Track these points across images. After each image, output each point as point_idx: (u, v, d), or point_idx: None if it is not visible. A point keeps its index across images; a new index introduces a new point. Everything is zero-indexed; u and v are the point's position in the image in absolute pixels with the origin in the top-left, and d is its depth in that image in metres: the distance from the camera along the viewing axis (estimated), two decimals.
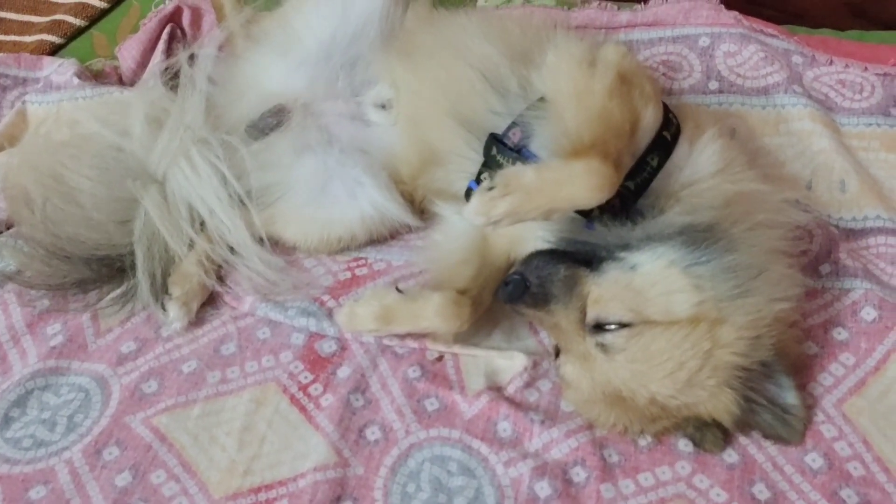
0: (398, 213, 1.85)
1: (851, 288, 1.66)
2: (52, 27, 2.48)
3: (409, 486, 1.43)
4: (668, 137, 1.50)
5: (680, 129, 1.53)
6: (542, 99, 1.56)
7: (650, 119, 1.48)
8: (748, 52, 1.99)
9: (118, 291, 1.74)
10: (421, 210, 1.89)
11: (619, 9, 2.16)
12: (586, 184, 1.33)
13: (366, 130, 1.88)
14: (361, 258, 1.87)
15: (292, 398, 1.57)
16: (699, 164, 1.48)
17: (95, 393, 1.61)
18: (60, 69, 2.27)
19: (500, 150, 1.58)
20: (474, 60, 1.67)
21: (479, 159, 1.63)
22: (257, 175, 1.83)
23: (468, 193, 1.67)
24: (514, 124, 1.59)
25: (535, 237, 1.55)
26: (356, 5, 1.88)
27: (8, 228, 1.94)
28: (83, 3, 2.49)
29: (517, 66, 1.64)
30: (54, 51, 2.47)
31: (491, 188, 1.33)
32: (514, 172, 1.36)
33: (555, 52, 1.55)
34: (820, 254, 1.72)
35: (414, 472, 1.45)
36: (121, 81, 2.33)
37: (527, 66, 1.63)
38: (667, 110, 1.55)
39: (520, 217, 1.34)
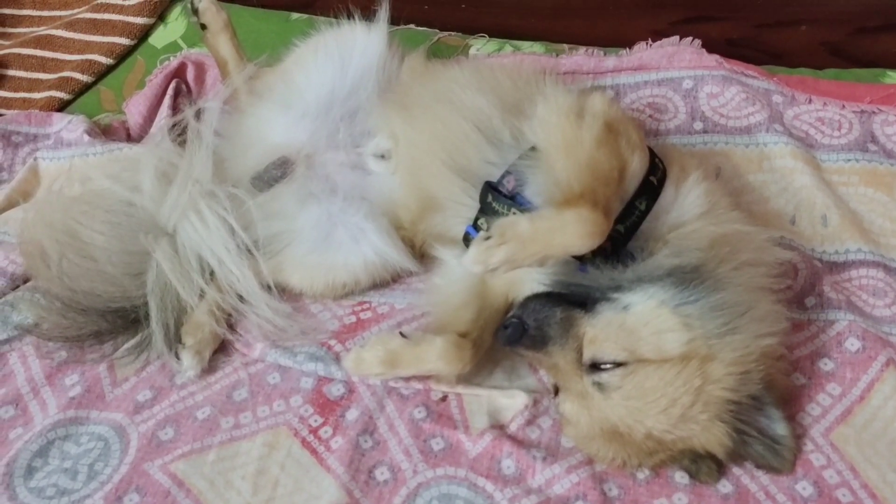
0: (399, 258, 1.92)
1: (836, 319, 1.73)
2: (60, 84, 2.57)
3: None
4: (655, 182, 1.57)
5: (666, 173, 1.60)
6: (533, 148, 1.63)
7: (637, 165, 1.55)
8: (730, 94, 2.08)
9: (133, 342, 1.80)
10: (421, 254, 1.96)
11: (605, 54, 2.25)
12: (577, 231, 1.39)
13: (367, 179, 1.96)
14: (365, 302, 1.94)
15: (303, 441, 1.63)
16: (685, 208, 1.55)
17: (114, 441, 1.67)
18: (70, 126, 2.35)
19: (496, 198, 1.64)
20: (468, 113, 1.75)
21: (476, 205, 1.69)
22: (264, 225, 1.89)
23: (466, 238, 1.73)
24: (507, 172, 1.66)
25: (532, 280, 1.62)
26: (354, 60, 1.96)
27: (25, 282, 2.00)
28: (90, 60, 2.59)
29: (509, 117, 1.71)
30: (63, 107, 2.56)
31: (487, 238, 1.40)
32: (509, 222, 1.42)
33: (544, 103, 1.62)
34: (805, 287, 1.79)
35: None
36: (129, 136, 2.42)
37: (518, 116, 1.70)
38: (653, 155, 1.62)
39: (516, 264, 1.40)
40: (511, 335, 1.49)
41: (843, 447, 1.53)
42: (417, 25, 2.48)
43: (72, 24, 2.69)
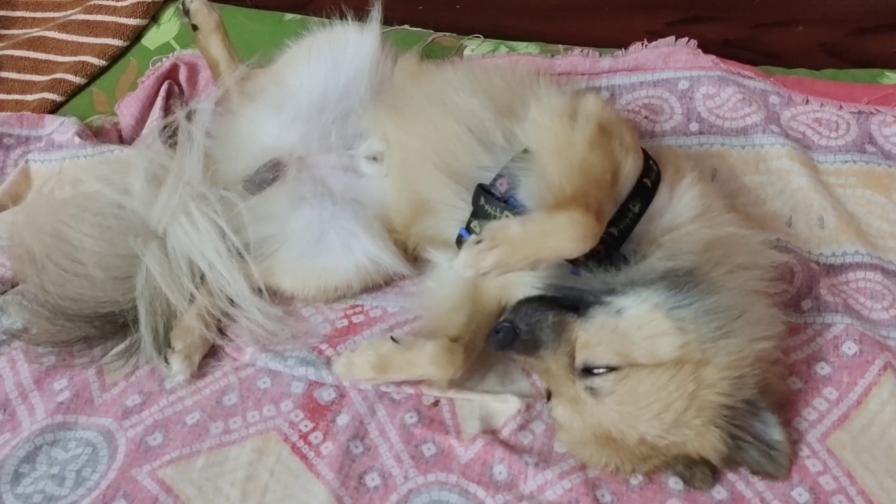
0: (391, 261, 1.90)
1: (833, 323, 1.71)
2: (52, 86, 2.55)
3: None
4: (649, 184, 1.55)
5: (660, 175, 1.58)
6: (526, 150, 1.61)
7: (630, 167, 1.54)
8: (726, 94, 2.06)
9: (122, 346, 1.78)
10: (414, 258, 1.94)
11: (600, 55, 2.23)
12: (569, 235, 1.37)
13: (359, 182, 1.94)
14: (358, 306, 1.92)
15: (293, 447, 1.61)
16: (679, 210, 1.53)
17: (102, 447, 1.65)
18: (62, 128, 2.33)
19: (488, 200, 1.63)
20: (460, 115, 1.73)
21: (469, 208, 1.67)
22: (255, 228, 1.88)
23: (459, 241, 1.71)
24: (500, 175, 1.64)
25: (525, 283, 1.60)
26: (346, 61, 1.95)
27: (13, 286, 1.98)
28: (82, 62, 2.57)
29: (502, 120, 1.69)
30: (55, 108, 2.54)
31: (478, 242, 1.38)
32: (500, 226, 1.40)
33: (537, 105, 1.60)
34: (801, 290, 1.77)
35: None
36: (120, 138, 2.41)
37: (511, 118, 1.68)
38: (647, 157, 1.60)
39: (507, 268, 1.38)
40: (502, 339, 1.47)
41: (839, 453, 1.51)
42: (412, 26, 2.47)
43: (65, 26, 2.68)
